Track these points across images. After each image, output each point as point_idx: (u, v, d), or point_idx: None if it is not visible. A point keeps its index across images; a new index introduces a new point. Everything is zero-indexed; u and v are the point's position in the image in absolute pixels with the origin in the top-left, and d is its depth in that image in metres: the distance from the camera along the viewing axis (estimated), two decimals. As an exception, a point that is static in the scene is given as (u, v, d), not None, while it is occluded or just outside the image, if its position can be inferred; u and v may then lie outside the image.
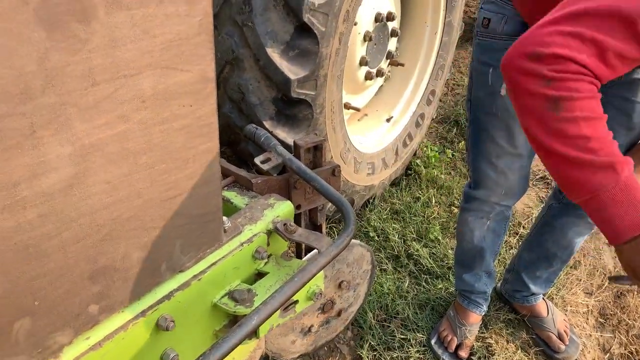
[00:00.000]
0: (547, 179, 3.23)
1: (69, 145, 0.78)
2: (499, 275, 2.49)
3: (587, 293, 2.51)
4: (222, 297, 1.27)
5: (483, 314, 2.26)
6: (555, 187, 2.13)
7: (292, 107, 2.06)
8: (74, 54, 0.73)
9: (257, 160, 1.54)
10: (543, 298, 2.29)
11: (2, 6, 0.62)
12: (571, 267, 2.61)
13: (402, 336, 2.24)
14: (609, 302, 2.47)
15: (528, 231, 2.33)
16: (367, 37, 2.48)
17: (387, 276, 2.51)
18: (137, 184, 0.92)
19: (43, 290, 0.85)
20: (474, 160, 1.86)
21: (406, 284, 2.47)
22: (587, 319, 2.40)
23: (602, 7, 0.94)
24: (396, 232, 2.74)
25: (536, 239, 2.11)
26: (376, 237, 2.71)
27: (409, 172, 3.19)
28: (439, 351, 2.19)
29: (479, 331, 2.26)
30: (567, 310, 2.40)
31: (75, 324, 0.95)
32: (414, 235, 2.73)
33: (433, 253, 2.64)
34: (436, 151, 3.32)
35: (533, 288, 2.19)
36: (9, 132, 0.69)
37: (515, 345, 2.22)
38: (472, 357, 2.17)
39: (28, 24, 0.65)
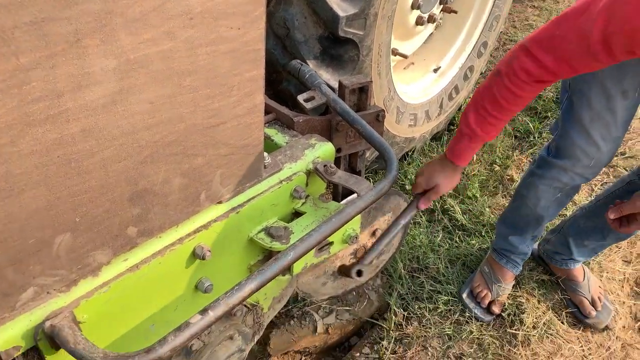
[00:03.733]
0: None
1: (113, 58, 0.75)
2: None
3: (625, 261, 2.43)
4: (259, 232, 1.26)
5: (518, 273, 2.22)
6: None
7: (338, 47, 1.98)
8: (122, -41, 0.69)
9: (301, 98, 1.49)
10: (581, 264, 2.22)
11: None
12: (613, 235, 2.52)
13: (431, 288, 2.22)
14: (648, 273, 2.40)
15: (592, 199, 2.22)
16: (421, -21, 2.35)
17: (421, 229, 2.47)
18: (180, 107, 0.90)
19: (84, 207, 0.85)
20: (564, 126, 1.76)
21: (439, 239, 2.44)
22: (622, 286, 2.34)
23: None
24: (433, 186, 2.68)
25: (600, 210, 1.98)
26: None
27: (452, 127, 3.09)
28: (471, 305, 2.17)
29: (510, 289, 2.23)
30: (602, 277, 2.33)
31: (114, 245, 0.95)
32: (451, 191, 2.67)
33: (469, 210, 2.58)
34: (481, 106, 3.20)
35: (576, 254, 2.12)
36: (54, 38, 0.66)
37: (546, 306, 2.19)
38: (502, 314, 2.15)
39: None
